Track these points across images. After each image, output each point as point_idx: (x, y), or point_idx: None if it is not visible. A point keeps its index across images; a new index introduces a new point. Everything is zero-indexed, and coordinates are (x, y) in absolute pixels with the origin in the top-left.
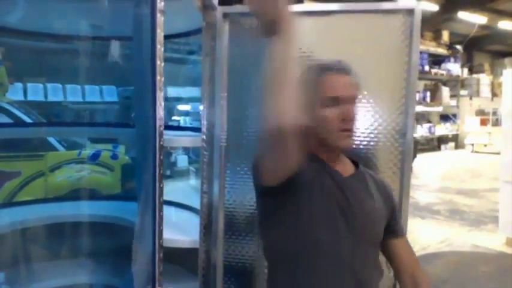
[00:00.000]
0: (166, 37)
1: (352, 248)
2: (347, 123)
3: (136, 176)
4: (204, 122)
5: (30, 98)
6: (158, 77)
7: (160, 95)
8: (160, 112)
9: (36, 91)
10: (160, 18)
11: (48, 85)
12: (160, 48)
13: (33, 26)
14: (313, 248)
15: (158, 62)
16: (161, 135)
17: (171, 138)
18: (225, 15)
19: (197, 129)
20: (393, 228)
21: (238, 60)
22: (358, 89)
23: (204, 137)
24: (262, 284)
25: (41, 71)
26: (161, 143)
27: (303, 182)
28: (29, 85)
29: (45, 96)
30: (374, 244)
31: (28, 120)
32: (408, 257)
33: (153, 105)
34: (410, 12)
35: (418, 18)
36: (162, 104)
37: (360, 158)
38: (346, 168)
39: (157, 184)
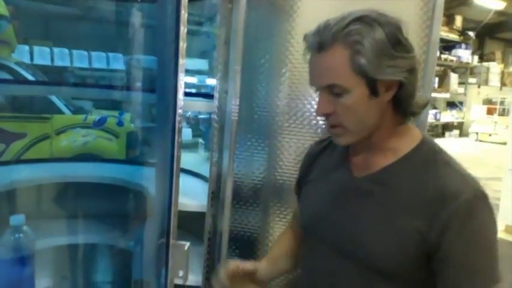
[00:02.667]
0: None
1: (337, 271)
2: (324, 118)
3: (154, 141)
4: (217, 95)
5: (36, 61)
6: (181, 43)
7: (182, 62)
8: (181, 79)
9: (42, 55)
10: None
11: (55, 49)
12: (184, 13)
13: None
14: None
15: (182, 28)
16: (181, 101)
17: (187, 102)
18: None
19: (209, 96)
20: (436, 264)
21: (253, 29)
22: (333, 71)
23: (216, 109)
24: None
25: (48, 35)
26: (180, 110)
27: (315, 169)
28: (36, 48)
29: (52, 60)
30: (382, 274)
31: None
32: None
33: (175, 72)
34: None
35: None
36: (184, 70)
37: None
38: (373, 162)
39: (175, 151)
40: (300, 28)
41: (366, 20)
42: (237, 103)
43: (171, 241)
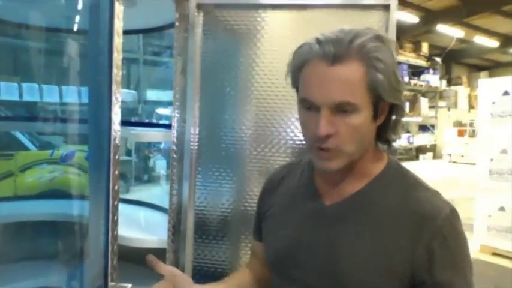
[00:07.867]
0: (141, 31)
1: None
2: (318, 140)
3: (90, 174)
4: (175, 124)
5: (3, 97)
6: (115, 70)
7: (117, 90)
8: (116, 108)
9: (10, 90)
10: (119, 7)
11: (24, 84)
12: (118, 40)
13: None
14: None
15: (115, 55)
16: (116, 132)
17: (141, 133)
18: (199, 6)
19: (169, 126)
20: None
21: (212, 57)
22: (348, 87)
23: (175, 139)
24: None
25: (16, 70)
26: (116, 141)
27: (277, 201)
28: (2, 84)
29: (20, 96)
30: None
31: None
32: None
33: (109, 102)
34: (386, 7)
35: (393, 13)
36: (119, 100)
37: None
38: (345, 188)
39: (111, 185)
40: (265, 55)
41: (381, 39)
42: (196, 132)
43: (109, 283)
